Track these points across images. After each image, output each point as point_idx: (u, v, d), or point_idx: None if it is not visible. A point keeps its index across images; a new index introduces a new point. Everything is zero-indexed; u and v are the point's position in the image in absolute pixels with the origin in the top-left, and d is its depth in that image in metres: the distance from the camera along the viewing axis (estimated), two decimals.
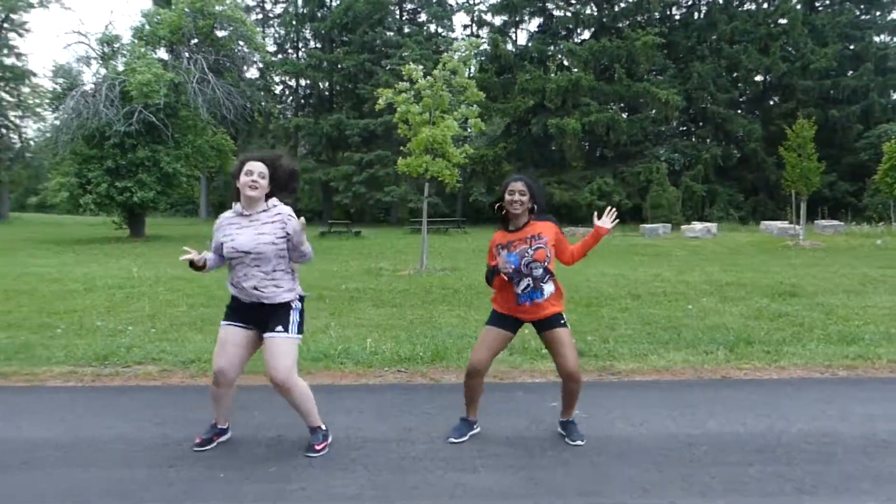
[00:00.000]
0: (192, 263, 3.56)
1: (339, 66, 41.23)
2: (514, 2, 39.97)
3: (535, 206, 3.72)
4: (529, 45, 41.36)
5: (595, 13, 40.50)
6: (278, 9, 47.44)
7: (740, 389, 4.85)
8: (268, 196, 3.59)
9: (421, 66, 13.37)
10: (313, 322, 7.18)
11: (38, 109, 41.95)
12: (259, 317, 3.55)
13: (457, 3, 45.49)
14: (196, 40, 26.11)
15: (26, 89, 43.79)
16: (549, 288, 3.73)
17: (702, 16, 41.43)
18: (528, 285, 3.68)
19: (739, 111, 39.82)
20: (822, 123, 28.42)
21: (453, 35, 44.07)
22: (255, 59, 32.83)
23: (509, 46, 41.91)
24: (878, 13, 39.03)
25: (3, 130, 44.92)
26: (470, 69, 18.22)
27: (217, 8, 25.83)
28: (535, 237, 3.68)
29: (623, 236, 25.26)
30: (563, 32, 41.58)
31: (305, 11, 44.49)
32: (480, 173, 37.33)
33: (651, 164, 35.76)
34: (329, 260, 15.50)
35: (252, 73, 37.91)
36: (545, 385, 4.92)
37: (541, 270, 3.68)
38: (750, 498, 3.07)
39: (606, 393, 4.76)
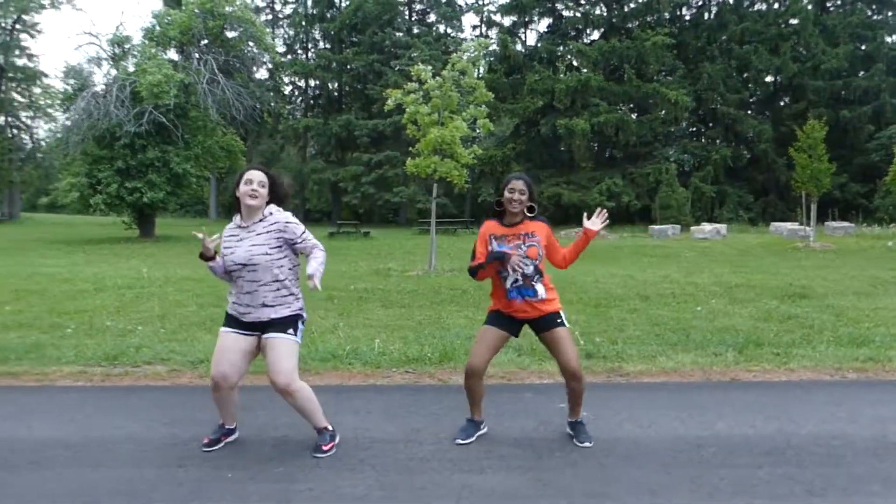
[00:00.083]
0: (202, 255, 3.57)
1: (349, 66, 41.32)
2: (524, 2, 39.94)
3: (532, 206, 3.73)
4: (539, 45, 41.29)
5: (604, 13, 40.40)
6: (288, 9, 47.59)
7: (749, 391, 4.82)
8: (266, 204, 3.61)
9: (430, 67, 13.38)
10: (322, 322, 7.21)
11: (49, 110, 42.24)
12: (260, 326, 3.55)
13: (466, 4, 45.50)
14: (206, 41, 26.23)
15: (38, 90, 44.12)
16: (541, 288, 3.72)
17: (712, 16, 41.26)
18: (517, 281, 3.68)
19: (749, 112, 39.64)
20: (832, 124, 28.25)
21: (462, 36, 44.09)
22: (264, 60, 32.98)
23: (518, 47, 41.87)
24: (889, 13, 38.74)
25: (15, 131, 45.28)
26: (479, 70, 18.25)
27: (227, 9, 25.94)
28: (528, 235, 3.70)
29: (632, 237, 25.19)
30: (573, 33, 41.51)
31: (315, 12, 44.62)
32: (489, 174, 37.32)
33: (660, 165, 35.66)
34: (338, 260, 15.53)
35: (262, 73, 38.07)
36: (553, 386, 4.91)
37: (531, 268, 3.68)
38: (759, 500, 3.05)
39: (615, 394, 4.75)
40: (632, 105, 40.21)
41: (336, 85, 44.95)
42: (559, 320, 3.73)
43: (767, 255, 16.71)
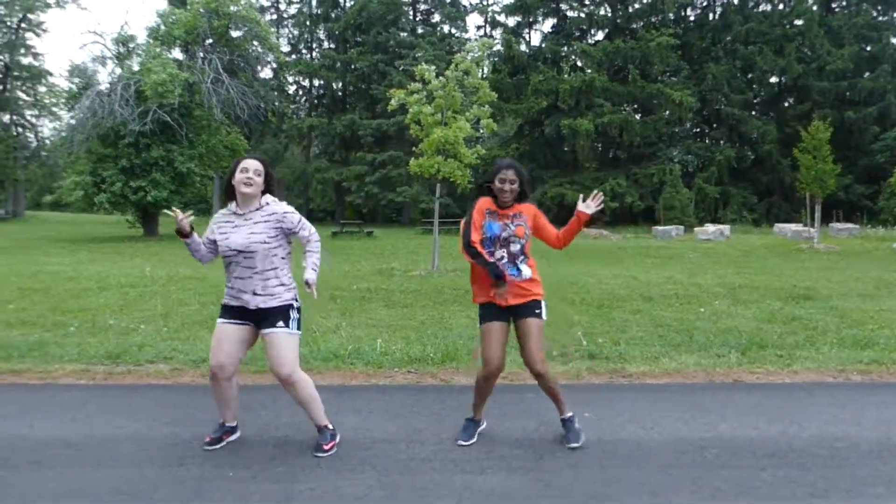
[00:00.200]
0: (178, 231, 3.58)
1: (353, 66, 41.35)
2: (528, 2, 39.93)
3: (523, 194, 3.75)
4: (543, 45, 41.27)
5: (609, 14, 40.36)
6: (292, 9, 47.69)
7: (752, 393, 4.81)
8: (262, 193, 3.64)
9: (433, 67, 13.37)
10: (324, 322, 7.20)
11: (54, 109, 42.42)
12: (255, 315, 3.57)
13: (470, 4, 45.51)
14: (211, 40, 26.28)
15: (43, 88, 44.30)
16: (526, 270, 3.71)
17: (717, 17, 41.20)
18: (502, 258, 3.69)
19: (754, 113, 39.57)
20: (837, 125, 28.20)
21: (467, 36, 44.10)
22: (269, 60, 33.01)
23: (523, 47, 41.86)
24: (895, 14, 38.63)
25: (20, 129, 45.44)
26: (483, 70, 18.23)
27: (232, 8, 25.98)
28: (516, 215, 3.73)
29: (635, 238, 25.16)
30: (577, 33, 41.48)
31: (319, 12, 44.66)
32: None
33: (664, 166, 35.61)
34: (341, 260, 15.54)
35: (266, 73, 38.11)
36: None
37: (518, 246, 3.69)
38: (761, 502, 3.04)
39: (617, 395, 4.74)
40: (636, 105, 40.18)
41: (340, 85, 45.00)
42: (537, 311, 3.70)
43: (771, 257, 16.67)
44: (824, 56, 36.28)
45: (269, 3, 46.60)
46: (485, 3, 45.75)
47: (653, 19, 39.29)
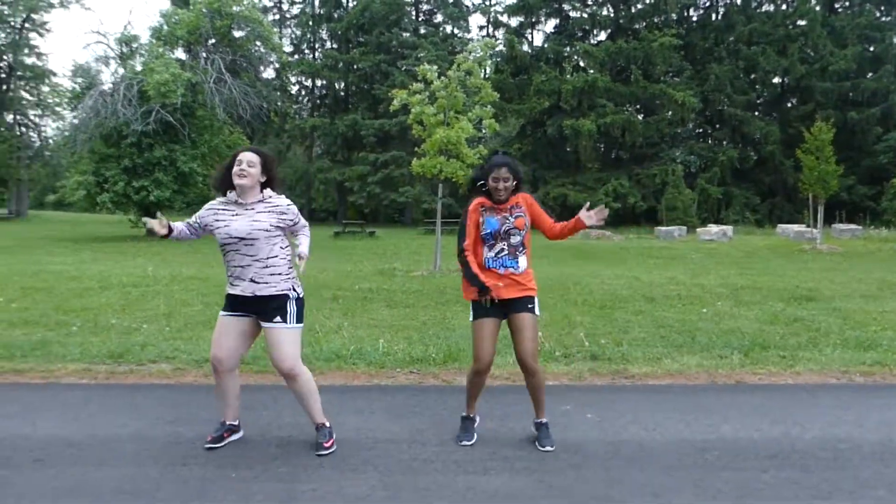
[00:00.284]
0: (153, 231, 3.61)
1: (355, 66, 41.38)
2: (531, 3, 39.93)
3: (518, 187, 3.76)
4: (545, 45, 41.28)
5: (611, 14, 40.35)
6: (295, 9, 47.73)
7: (755, 394, 4.80)
8: (263, 187, 3.65)
9: (436, 67, 13.37)
10: (326, 322, 7.21)
11: (57, 108, 42.44)
12: (256, 306, 3.58)
13: (473, 4, 45.52)
14: (213, 40, 26.30)
15: (46, 88, 44.35)
16: (524, 261, 3.71)
17: (719, 17, 41.18)
18: (502, 250, 3.69)
19: (756, 113, 39.54)
20: (840, 126, 28.20)
21: (469, 36, 44.10)
22: (271, 60, 33.02)
23: (525, 47, 41.88)
24: None
25: (23, 129, 45.54)
26: (485, 70, 18.23)
27: (234, 8, 26.00)
28: (514, 206, 3.73)
29: (638, 238, 25.14)
30: (580, 33, 41.48)
31: (322, 12, 44.71)
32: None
33: (667, 166, 35.60)
34: (343, 260, 15.55)
35: (268, 73, 38.14)
36: (559, 388, 4.90)
37: (518, 238, 3.69)
38: None
39: (619, 397, 4.73)
40: (638, 106, 40.17)
41: (343, 85, 45.03)
42: (530, 305, 3.70)
43: (774, 258, 16.65)
44: (827, 56, 36.25)
45: (271, 4, 46.68)
46: (487, 3, 45.76)
47: (655, 19, 39.28)
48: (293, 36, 47.36)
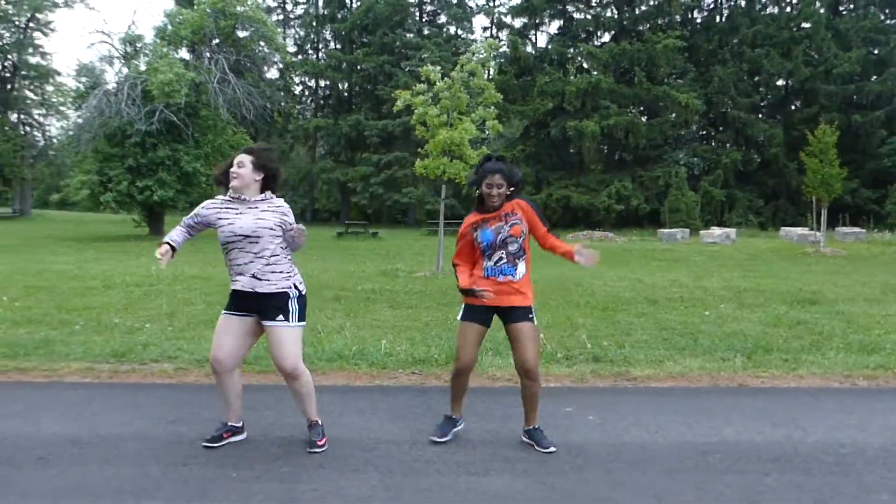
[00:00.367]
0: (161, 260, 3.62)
1: (359, 67, 41.43)
2: (534, 4, 39.94)
3: (512, 192, 3.71)
4: (549, 47, 41.30)
5: (615, 16, 40.36)
6: (299, 10, 47.80)
7: (757, 398, 4.79)
8: (264, 185, 3.66)
9: (439, 68, 13.37)
10: (329, 322, 7.21)
11: (61, 108, 42.58)
12: (257, 305, 3.58)
13: (477, 5, 45.56)
14: (217, 40, 26.34)
15: (50, 88, 44.49)
16: (522, 268, 3.70)
17: (723, 19, 41.15)
18: (501, 258, 3.67)
19: (760, 116, 39.50)
20: (844, 129, 28.13)
21: (473, 37, 44.15)
22: (275, 60, 33.10)
23: (529, 49, 41.88)
24: None
25: (28, 128, 45.65)
26: (489, 71, 18.25)
27: (238, 8, 26.04)
28: (509, 214, 3.68)
29: (640, 241, 25.12)
30: (583, 35, 41.48)
31: (326, 13, 44.76)
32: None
33: (670, 169, 35.58)
34: (346, 260, 15.55)
35: (272, 73, 38.22)
36: (560, 389, 4.90)
37: (516, 245, 3.67)
38: None
39: (621, 399, 4.73)
40: (642, 108, 40.16)
41: (346, 85, 45.08)
42: (529, 315, 3.69)
43: (777, 260, 16.62)
44: (831, 59, 36.20)
45: (275, 4, 46.76)
46: (491, 4, 45.78)
47: (659, 21, 39.28)
48: (297, 36, 47.45)
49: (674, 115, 37.33)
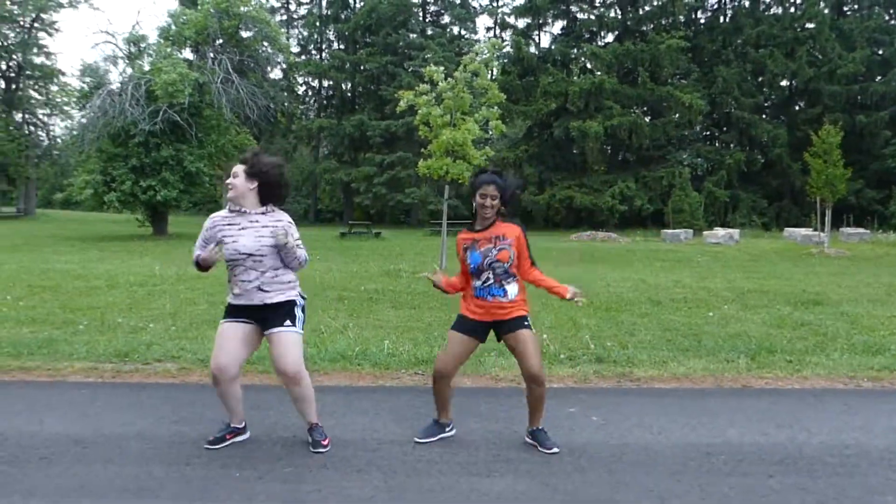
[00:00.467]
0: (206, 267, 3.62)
1: (362, 67, 41.43)
2: (538, 4, 39.91)
3: (504, 208, 3.71)
4: (552, 47, 41.27)
5: (619, 16, 40.32)
6: (302, 10, 47.86)
7: (761, 399, 4.78)
8: (264, 195, 3.62)
9: (442, 68, 13.36)
10: (332, 323, 7.21)
11: (65, 108, 42.66)
12: (262, 314, 3.57)
13: (480, 6, 45.56)
14: (221, 41, 26.38)
15: (55, 88, 44.57)
16: (512, 289, 3.69)
17: (727, 20, 41.08)
18: (488, 279, 3.67)
19: (764, 116, 39.42)
20: (848, 129, 28.06)
21: (476, 37, 44.12)
22: (278, 60, 33.13)
23: (532, 49, 41.86)
24: None
25: (32, 128, 45.73)
26: (492, 71, 18.24)
27: (242, 9, 26.08)
28: (499, 238, 3.67)
29: (644, 241, 25.09)
30: (587, 35, 41.45)
31: (329, 13, 44.80)
32: (505, 173, 37.34)
33: (674, 169, 35.53)
34: (349, 261, 15.56)
35: (276, 73, 38.28)
36: (563, 390, 4.89)
37: (502, 269, 3.66)
38: None
39: (625, 400, 4.72)
40: (645, 108, 40.10)
41: (349, 85, 45.10)
42: (525, 323, 3.68)
43: (781, 261, 16.59)
44: (835, 59, 36.11)
45: (279, 4, 46.81)
46: (494, 4, 45.79)
47: (663, 22, 39.23)
48: (300, 36, 47.48)
49: (677, 115, 37.27)
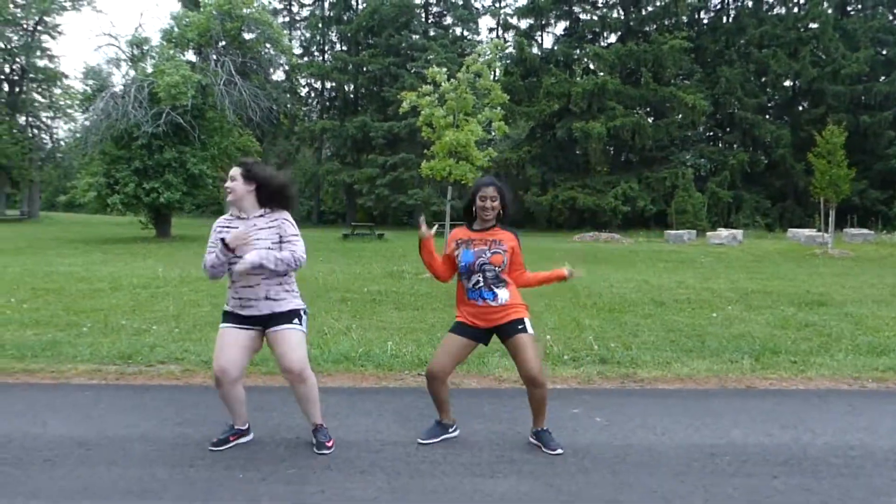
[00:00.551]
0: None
1: (365, 68, 41.49)
2: (540, 5, 39.93)
3: (504, 212, 3.73)
4: (555, 48, 41.28)
5: (622, 17, 40.30)
6: (305, 12, 47.91)
7: (765, 400, 4.76)
8: (264, 198, 3.61)
9: (445, 69, 13.37)
10: (335, 324, 7.21)
11: (68, 110, 42.67)
12: (264, 320, 3.58)
13: (483, 7, 45.60)
14: (223, 43, 26.41)
15: (58, 90, 44.62)
16: (503, 294, 3.68)
17: (730, 20, 41.05)
18: (478, 282, 3.67)
19: (768, 116, 39.37)
20: (852, 129, 28.02)
21: (479, 38, 44.15)
22: (281, 62, 33.12)
23: (535, 50, 41.86)
24: None
25: (35, 131, 45.83)
26: (495, 72, 18.26)
27: (244, 11, 26.09)
28: (495, 242, 3.69)
29: (647, 242, 25.06)
30: (590, 36, 41.45)
31: (332, 14, 44.86)
32: (504, 177, 37.36)
33: (677, 170, 35.50)
34: (352, 262, 15.56)
35: (278, 75, 38.26)
36: (567, 391, 4.89)
37: (492, 273, 3.66)
38: None
39: (628, 400, 4.71)
40: (648, 109, 40.08)
41: (352, 87, 45.17)
42: (521, 326, 3.67)
43: (784, 262, 16.55)
44: (839, 59, 36.05)
45: (281, 6, 46.91)
46: (497, 5, 45.80)
47: (666, 22, 39.21)
48: (303, 38, 47.56)
49: (680, 116, 37.24)
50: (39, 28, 43.93)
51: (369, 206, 41.60)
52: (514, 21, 43.57)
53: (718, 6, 42.21)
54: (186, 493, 3.13)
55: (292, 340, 3.53)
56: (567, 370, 5.45)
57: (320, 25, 45.43)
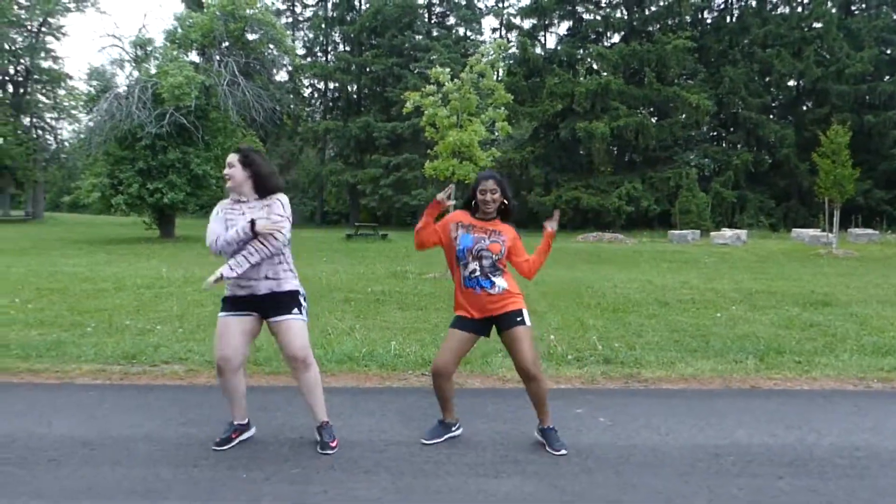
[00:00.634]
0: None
1: (368, 69, 41.51)
2: (544, 5, 39.91)
3: (507, 205, 3.75)
4: (558, 48, 41.24)
5: (625, 17, 40.26)
6: (308, 12, 47.95)
7: (770, 400, 4.75)
8: (258, 185, 3.64)
9: (448, 70, 13.38)
10: (338, 324, 7.21)
11: (72, 111, 42.83)
12: (263, 303, 3.60)
13: (486, 7, 45.61)
14: (227, 43, 26.46)
15: (62, 91, 44.77)
16: (500, 282, 3.68)
17: (734, 19, 40.98)
18: (475, 270, 3.67)
19: (771, 116, 39.29)
20: (857, 129, 27.92)
21: (482, 38, 44.15)
22: (284, 62, 33.19)
23: (538, 50, 41.84)
24: None
25: (40, 132, 45.97)
26: (498, 72, 18.25)
27: (248, 11, 26.14)
28: (495, 231, 3.71)
29: (651, 242, 25.03)
30: (593, 36, 41.41)
31: (335, 15, 44.90)
32: (507, 177, 37.35)
33: (680, 170, 35.45)
34: (355, 262, 15.57)
35: (281, 75, 38.33)
36: (570, 391, 4.88)
37: (490, 261, 3.66)
38: None
39: (632, 401, 4.70)
40: (652, 109, 40.02)
41: (355, 87, 45.19)
42: (519, 318, 3.66)
43: (789, 262, 16.51)
44: (843, 59, 35.95)
45: (284, 7, 46.95)
46: (500, 5, 45.80)
47: (669, 22, 39.16)
48: (306, 39, 47.61)
49: (684, 115, 37.19)
50: (43, 29, 44.07)
51: (373, 206, 41.63)
52: (517, 21, 43.58)
53: (722, 6, 42.15)
54: (190, 492, 3.13)
55: (296, 329, 3.58)
56: (571, 370, 5.44)
57: (323, 26, 45.46)
